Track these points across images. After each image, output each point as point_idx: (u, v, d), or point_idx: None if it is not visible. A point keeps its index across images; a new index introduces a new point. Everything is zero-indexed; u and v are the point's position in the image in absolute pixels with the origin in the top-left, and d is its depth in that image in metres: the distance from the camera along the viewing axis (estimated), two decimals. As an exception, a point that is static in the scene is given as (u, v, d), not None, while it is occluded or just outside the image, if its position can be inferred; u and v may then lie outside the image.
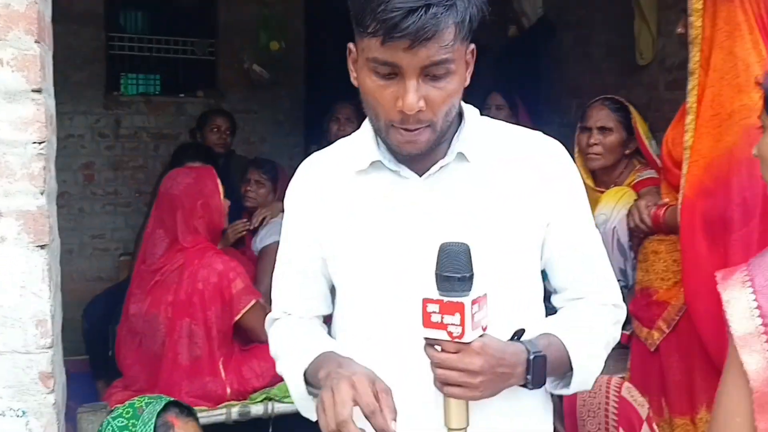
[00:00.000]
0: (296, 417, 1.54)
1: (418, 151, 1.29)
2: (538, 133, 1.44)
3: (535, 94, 5.00)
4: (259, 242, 3.55)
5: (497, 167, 1.37)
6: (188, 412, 1.90)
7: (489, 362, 1.20)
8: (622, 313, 1.50)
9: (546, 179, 1.38)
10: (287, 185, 1.51)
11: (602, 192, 2.70)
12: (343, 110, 4.03)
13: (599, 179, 2.78)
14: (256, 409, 2.56)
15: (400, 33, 1.16)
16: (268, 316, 1.59)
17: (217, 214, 2.79)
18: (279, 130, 6.04)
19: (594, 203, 2.66)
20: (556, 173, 1.40)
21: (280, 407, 2.55)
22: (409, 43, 1.17)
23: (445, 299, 1.17)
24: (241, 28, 5.72)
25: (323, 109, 4.37)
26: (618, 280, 2.62)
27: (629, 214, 2.44)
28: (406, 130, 1.27)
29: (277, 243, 1.55)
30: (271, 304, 1.60)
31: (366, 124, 1.42)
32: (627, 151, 2.75)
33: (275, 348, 1.52)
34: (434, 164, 1.35)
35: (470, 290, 1.18)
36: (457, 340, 1.17)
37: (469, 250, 1.19)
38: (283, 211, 1.54)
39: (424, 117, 1.25)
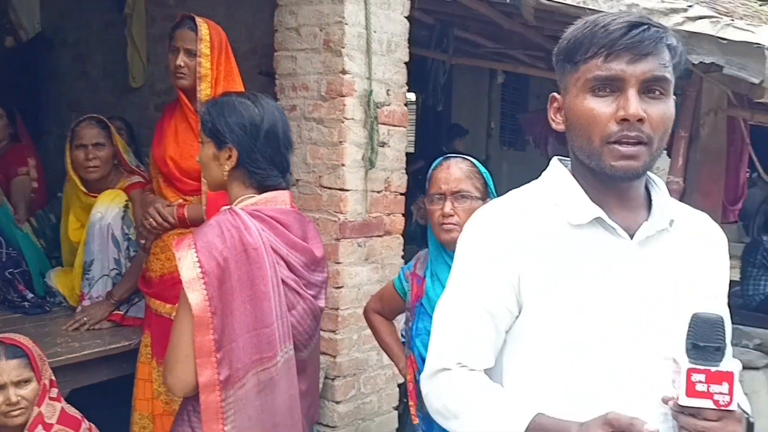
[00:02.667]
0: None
1: (634, 171, 1.26)
2: (705, 214, 1.49)
3: (33, 106, 5.12)
4: None
5: (688, 238, 1.38)
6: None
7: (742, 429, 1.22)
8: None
9: (719, 257, 1.43)
10: None
11: (95, 197, 3.10)
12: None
13: (93, 187, 3.17)
14: None
15: (623, 45, 1.22)
16: (433, 367, 1.41)
17: None
18: None
19: (88, 207, 3.08)
20: (723, 252, 1.45)
21: None
22: (632, 55, 1.22)
23: (713, 369, 1.16)
24: None
25: None
26: (113, 269, 3.10)
27: (147, 216, 2.77)
28: (626, 143, 1.24)
29: None
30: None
31: (566, 177, 1.37)
32: (115, 162, 3.21)
33: (461, 403, 1.35)
34: (638, 225, 1.33)
35: (723, 360, 1.18)
36: (723, 408, 1.16)
37: (723, 321, 1.19)
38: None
39: (645, 129, 1.24)
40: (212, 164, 1.89)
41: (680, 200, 3.40)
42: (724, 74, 2.86)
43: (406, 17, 3.42)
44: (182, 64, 2.68)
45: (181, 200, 2.79)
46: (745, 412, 1.25)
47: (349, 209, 3.19)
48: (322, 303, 1.93)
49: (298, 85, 3.27)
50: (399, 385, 3.52)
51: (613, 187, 1.32)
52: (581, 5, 3.06)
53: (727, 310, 1.45)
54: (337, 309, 3.22)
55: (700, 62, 2.87)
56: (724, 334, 1.18)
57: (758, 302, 6.22)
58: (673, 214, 1.36)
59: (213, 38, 2.72)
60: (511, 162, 8.18)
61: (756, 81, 2.70)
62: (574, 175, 1.36)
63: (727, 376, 1.16)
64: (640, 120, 1.22)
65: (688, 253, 1.36)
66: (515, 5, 3.42)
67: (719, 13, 2.87)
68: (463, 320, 1.37)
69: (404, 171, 3.49)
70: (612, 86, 1.24)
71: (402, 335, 2.42)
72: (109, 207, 3.03)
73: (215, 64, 2.71)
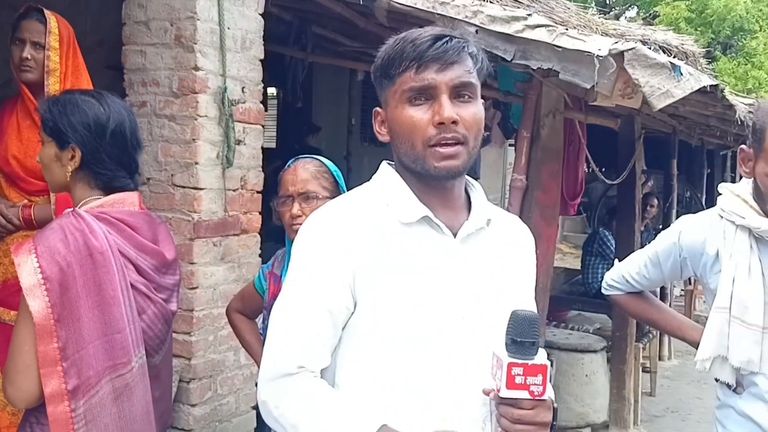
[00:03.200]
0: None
1: (456, 170, 1.37)
2: (515, 216, 1.65)
3: None
4: None
5: (503, 235, 1.51)
6: None
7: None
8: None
9: (526, 254, 1.56)
10: None
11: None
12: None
13: None
14: None
15: (430, 57, 1.34)
16: (272, 371, 1.39)
17: None
18: None
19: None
20: (530, 250, 1.58)
21: None
22: (439, 65, 1.34)
23: (530, 362, 1.26)
24: None
25: None
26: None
27: None
28: (445, 144, 1.35)
29: None
30: None
31: (395, 179, 1.45)
32: None
33: (300, 415, 1.34)
34: (460, 224, 1.43)
35: (537, 354, 1.28)
36: (537, 398, 1.27)
37: (539, 318, 1.32)
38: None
39: (460, 130, 1.35)
40: (54, 165, 1.82)
41: (523, 196, 3.65)
42: (561, 79, 3.07)
43: (261, 14, 3.41)
44: (29, 56, 2.59)
45: (26, 201, 2.67)
46: (552, 400, 1.36)
47: (203, 208, 3.15)
48: (174, 306, 1.90)
49: (148, 81, 3.18)
50: (257, 384, 3.51)
51: (437, 188, 1.42)
52: (430, 10, 3.17)
53: (534, 306, 1.55)
54: (192, 310, 3.17)
55: (539, 68, 3.06)
56: (539, 330, 1.29)
57: (597, 289, 6.71)
58: (490, 215, 1.48)
59: (62, 31, 2.65)
60: (372, 158, 8.25)
61: (587, 86, 2.92)
62: (402, 178, 1.45)
63: (542, 369, 1.27)
64: (455, 122, 1.34)
65: (503, 252, 1.49)
66: (369, 6, 3.49)
67: (555, 23, 3.07)
68: (302, 320, 1.37)
69: (261, 169, 3.48)
70: (426, 95, 1.36)
71: (261, 333, 2.43)
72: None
73: (64, 58, 2.64)
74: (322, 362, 1.38)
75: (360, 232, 1.38)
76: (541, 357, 1.29)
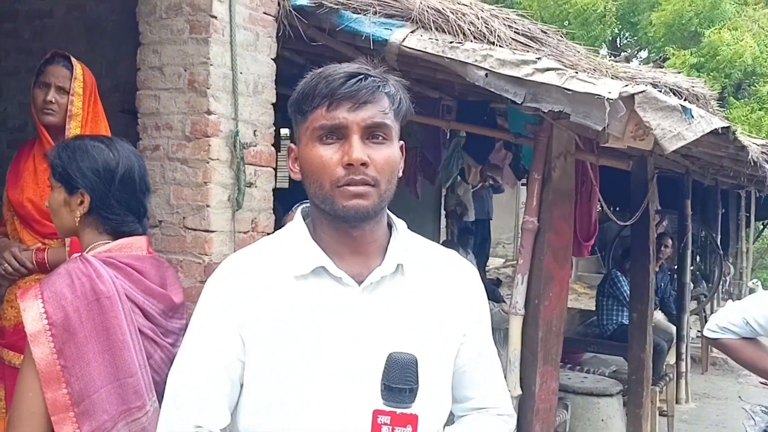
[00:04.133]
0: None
1: (365, 210, 1.30)
2: (453, 251, 1.53)
3: None
4: None
5: (425, 280, 1.40)
6: None
7: None
8: (513, 422, 1.58)
9: (464, 294, 1.46)
10: None
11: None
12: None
13: None
14: None
15: (342, 95, 1.28)
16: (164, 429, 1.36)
17: None
18: None
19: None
20: (471, 289, 1.48)
21: None
22: (351, 104, 1.28)
23: (398, 411, 1.17)
24: None
25: None
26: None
27: (1, 261, 2.62)
28: (353, 184, 1.29)
29: None
30: None
31: (299, 227, 1.40)
32: None
33: None
34: (370, 272, 1.35)
35: (414, 402, 1.19)
36: None
37: (416, 362, 1.20)
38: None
39: (370, 173, 1.29)
40: (62, 210, 1.83)
41: (535, 238, 3.63)
42: (572, 121, 3.08)
43: (273, 59, 3.45)
44: (53, 100, 2.65)
45: (39, 244, 2.69)
46: None
47: (214, 251, 3.14)
48: (181, 351, 1.89)
49: (161, 125, 3.21)
50: None
51: (347, 233, 1.35)
52: (440, 54, 3.20)
53: (491, 351, 1.51)
54: (203, 353, 3.14)
55: (550, 110, 3.07)
56: (416, 375, 1.19)
57: (612, 331, 6.63)
58: (408, 258, 1.38)
59: (86, 79, 2.73)
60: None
61: (598, 128, 2.92)
62: (313, 223, 1.40)
63: (411, 419, 1.17)
64: (364, 164, 1.28)
65: (424, 296, 1.39)
66: (379, 51, 3.53)
67: (565, 66, 3.09)
68: (197, 378, 1.34)
69: (272, 211, 3.49)
70: (337, 134, 1.30)
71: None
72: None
73: (86, 104, 2.71)
74: (220, 421, 1.33)
75: (248, 286, 1.34)
76: (418, 406, 1.19)
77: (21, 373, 1.65)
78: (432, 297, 1.40)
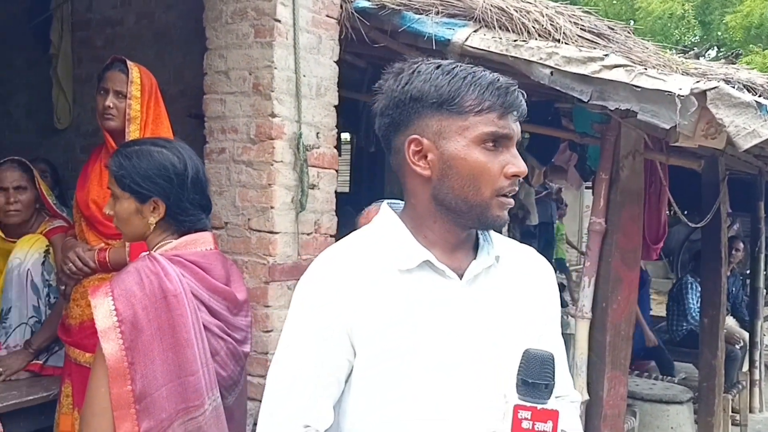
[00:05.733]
0: None
1: (507, 219, 1.34)
2: (530, 248, 1.53)
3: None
4: None
5: (514, 272, 1.42)
6: None
7: None
8: (580, 411, 1.68)
9: (545, 285, 1.48)
10: None
11: (13, 242, 3.02)
12: None
13: (12, 231, 3.07)
14: None
15: (514, 106, 1.30)
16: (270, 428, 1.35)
17: None
18: None
19: (6, 252, 2.98)
20: (550, 280, 1.50)
21: None
22: (516, 115, 1.31)
23: (539, 406, 1.17)
24: None
25: None
26: (32, 316, 2.98)
27: (66, 261, 2.71)
28: (509, 195, 1.31)
29: None
30: None
31: (395, 223, 1.38)
32: (37, 205, 3.13)
33: None
34: (468, 265, 1.36)
35: (550, 397, 1.20)
36: None
37: (553, 358, 1.21)
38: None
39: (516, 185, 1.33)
40: (134, 218, 1.85)
41: (603, 240, 3.54)
42: (639, 119, 2.99)
43: (335, 62, 3.47)
44: (111, 105, 2.68)
45: (102, 244, 2.74)
46: None
47: (278, 252, 3.17)
48: (247, 348, 1.90)
49: (227, 128, 3.26)
50: None
51: (460, 233, 1.36)
52: (504, 53, 3.16)
53: (562, 343, 1.50)
54: (267, 353, 3.17)
55: (617, 108, 2.99)
56: (553, 371, 1.19)
57: (682, 337, 6.44)
58: (500, 250, 1.39)
59: (144, 81, 2.74)
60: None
61: (667, 127, 2.83)
62: (413, 219, 1.36)
63: (552, 414, 1.17)
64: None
65: (516, 288, 1.40)
66: (442, 51, 3.50)
67: (633, 62, 3.00)
68: (304, 379, 1.31)
69: (334, 213, 3.50)
70: (499, 142, 1.29)
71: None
72: (28, 252, 2.95)
73: (145, 107, 2.73)
74: (327, 420, 1.32)
75: (354, 282, 1.31)
76: (554, 402, 1.19)
77: (93, 369, 1.69)
78: (521, 288, 1.41)
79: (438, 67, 1.32)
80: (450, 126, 1.29)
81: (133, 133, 2.68)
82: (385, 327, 1.29)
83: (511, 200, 1.31)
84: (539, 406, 1.17)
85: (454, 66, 1.32)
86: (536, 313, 1.42)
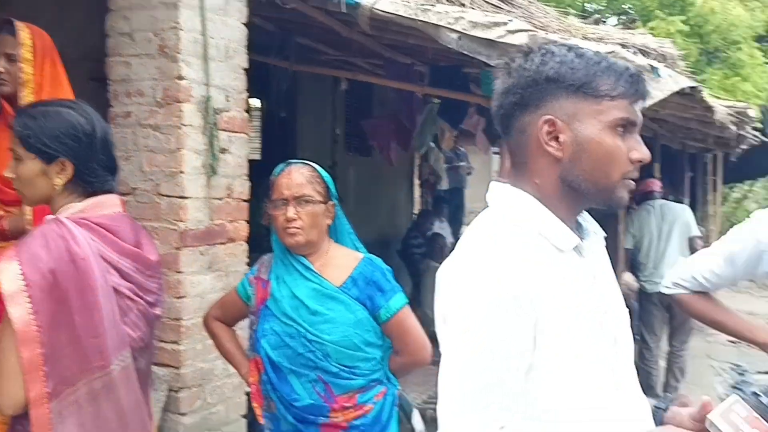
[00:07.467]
0: None
1: (628, 200, 1.37)
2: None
3: None
4: None
5: (599, 240, 1.47)
6: None
7: None
8: None
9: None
10: None
11: None
12: None
13: None
14: None
15: (644, 94, 1.33)
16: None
17: None
18: None
19: None
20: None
21: None
22: (641, 105, 1.33)
23: (755, 415, 1.24)
24: None
25: None
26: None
27: None
28: (631, 180, 1.34)
29: None
30: None
31: (537, 207, 1.34)
32: None
33: None
34: (577, 240, 1.36)
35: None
36: None
37: None
38: None
39: None
40: (38, 180, 1.78)
41: None
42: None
43: (244, 24, 3.43)
44: (2, 69, 2.56)
45: (1, 212, 2.65)
46: None
47: (189, 217, 3.15)
48: (158, 310, 1.90)
49: (132, 91, 3.19)
50: (247, 393, 3.51)
51: (579, 212, 1.41)
52: (412, 16, 3.20)
53: None
54: (180, 319, 3.16)
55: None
56: None
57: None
58: (593, 225, 1.44)
59: (36, 42, 2.60)
60: (358, 167, 8.33)
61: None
62: (545, 200, 1.35)
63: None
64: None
65: (607, 259, 1.48)
66: (351, 15, 3.52)
67: (536, 27, 3.11)
68: (500, 381, 1.24)
69: (247, 177, 3.49)
70: (627, 128, 1.31)
71: (250, 339, 2.42)
72: None
73: (39, 69, 2.60)
74: (519, 419, 1.25)
75: (534, 272, 1.27)
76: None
77: (0, 335, 1.66)
78: (607, 259, 1.49)
79: (570, 50, 1.33)
80: (584, 109, 1.30)
81: (26, 97, 2.55)
82: (563, 318, 1.28)
83: (633, 183, 1.35)
84: (755, 415, 1.24)
85: (584, 50, 1.35)
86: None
